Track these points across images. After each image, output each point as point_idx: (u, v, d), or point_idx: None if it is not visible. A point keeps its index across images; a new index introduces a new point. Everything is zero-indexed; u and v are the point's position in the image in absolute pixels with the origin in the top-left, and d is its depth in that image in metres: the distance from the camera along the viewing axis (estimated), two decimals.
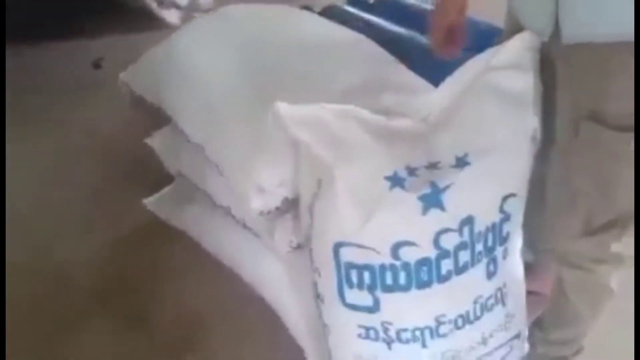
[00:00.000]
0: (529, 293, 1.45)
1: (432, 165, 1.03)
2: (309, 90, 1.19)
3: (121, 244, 1.70)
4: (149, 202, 1.75)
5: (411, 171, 1.01)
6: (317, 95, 1.12)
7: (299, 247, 1.17)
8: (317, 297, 1.13)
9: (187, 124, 1.30)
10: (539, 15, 1.06)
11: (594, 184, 1.10)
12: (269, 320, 1.34)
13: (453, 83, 1.11)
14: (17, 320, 1.43)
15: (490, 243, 1.09)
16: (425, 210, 1.01)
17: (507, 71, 1.09)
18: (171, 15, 2.89)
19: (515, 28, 1.13)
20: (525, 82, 1.09)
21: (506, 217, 1.10)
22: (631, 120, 0.99)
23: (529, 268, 1.51)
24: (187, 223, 1.64)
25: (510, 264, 1.15)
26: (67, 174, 1.90)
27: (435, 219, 1.02)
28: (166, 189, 1.70)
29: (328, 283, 1.08)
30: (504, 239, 1.11)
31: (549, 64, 1.09)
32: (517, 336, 1.22)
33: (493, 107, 1.08)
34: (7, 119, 1.79)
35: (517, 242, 1.17)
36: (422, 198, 1.00)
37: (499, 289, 1.14)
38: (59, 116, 2.11)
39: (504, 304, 1.15)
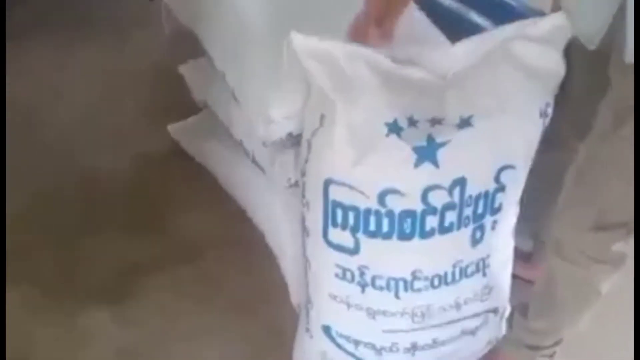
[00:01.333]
0: (527, 281, 1.47)
1: (436, 121, 1.03)
2: (333, 26, 1.20)
3: (148, 162, 1.75)
4: (173, 128, 1.81)
5: (413, 122, 1.02)
6: (340, 34, 1.14)
7: (296, 184, 1.21)
8: (304, 230, 1.17)
9: (214, 49, 1.34)
10: (592, 21, 1.02)
11: (620, 181, 1.07)
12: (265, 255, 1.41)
13: (478, 44, 1.09)
14: (41, 218, 1.55)
15: (480, 210, 1.10)
16: (418, 163, 1.02)
17: (533, 44, 1.07)
18: None
19: None
20: (548, 59, 1.07)
21: (500, 188, 1.10)
22: None
23: (529, 256, 1.51)
24: (204, 154, 1.70)
25: (498, 237, 1.15)
26: (117, 90, 1.96)
27: (427, 174, 1.03)
28: (191, 119, 1.76)
29: (314, 218, 1.12)
30: (495, 210, 1.12)
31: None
32: (495, 311, 1.23)
33: (509, 75, 1.06)
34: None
35: (510, 218, 1.17)
36: (417, 150, 1.01)
37: (482, 259, 1.15)
38: (117, 37, 2.16)
39: (484, 274, 1.16)
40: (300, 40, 1.01)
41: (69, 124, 1.84)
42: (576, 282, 1.21)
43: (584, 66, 1.11)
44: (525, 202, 1.23)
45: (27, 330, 1.32)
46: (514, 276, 1.51)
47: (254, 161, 1.36)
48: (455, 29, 1.42)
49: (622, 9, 0.94)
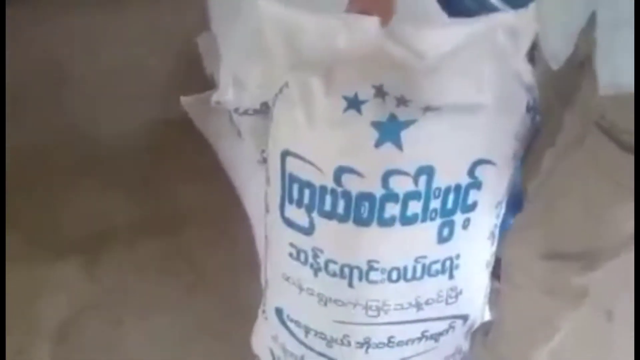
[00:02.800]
0: None
1: (403, 101, 0.96)
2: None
3: (158, 130, 1.76)
4: (185, 100, 1.81)
5: (380, 93, 0.93)
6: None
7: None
8: (265, 207, 1.12)
9: (213, 12, 1.32)
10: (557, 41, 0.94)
11: (577, 204, 0.93)
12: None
13: (467, 28, 1.01)
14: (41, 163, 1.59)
15: (449, 205, 1.01)
16: (379, 142, 0.95)
17: (522, 38, 0.98)
18: None
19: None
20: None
21: (475, 184, 1.00)
22: None
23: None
24: (209, 130, 1.69)
25: (471, 238, 1.05)
26: (149, 57, 2.00)
27: (389, 155, 0.95)
28: (205, 93, 1.76)
29: (273, 193, 1.07)
30: (468, 207, 1.02)
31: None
32: (463, 318, 1.13)
33: (494, 65, 0.96)
34: None
35: (488, 219, 1.07)
36: (377, 126, 0.94)
37: (450, 258, 1.05)
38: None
39: (451, 276, 1.06)
40: (267, 8, 0.96)
41: (95, 81, 1.90)
42: (526, 314, 1.07)
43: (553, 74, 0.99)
44: None
45: None
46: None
47: (239, 134, 1.33)
48: (470, 9, 1.34)
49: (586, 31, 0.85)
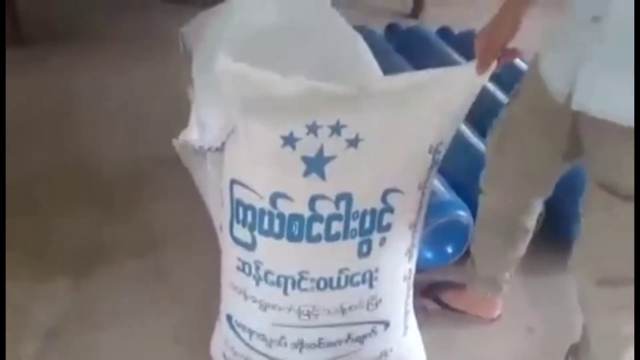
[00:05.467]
0: (454, 310, 1.61)
1: (337, 128, 1.14)
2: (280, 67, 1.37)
3: (151, 162, 2.00)
4: (176, 142, 2.04)
5: (313, 129, 1.13)
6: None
7: None
8: (220, 226, 1.33)
9: (194, 62, 1.56)
10: (559, 79, 1.12)
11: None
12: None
13: (403, 78, 1.21)
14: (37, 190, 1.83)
15: (367, 225, 1.22)
16: (307, 173, 1.16)
17: (448, 88, 1.18)
18: None
19: (535, 81, 1.19)
20: (456, 104, 1.20)
21: (388, 209, 1.22)
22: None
23: (462, 287, 1.59)
24: (190, 164, 1.91)
25: (388, 254, 1.26)
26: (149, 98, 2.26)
27: (314, 184, 1.17)
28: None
29: (225, 215, 1.28)
30: (383, 228, 1.23)
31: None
32: (384, 324, 1.32)
33: (410, 108, 1.18)
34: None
35: (402, 239, 1.28)
36: (306, 160, 1.15)
37: (369, 271, 1.26)
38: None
39: (371, 286, 1.27)
40: (224, 63, 1.16)
41: (99, 119, 2.19)
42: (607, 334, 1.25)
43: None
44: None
45: None
46: (444, 305, 1.61)
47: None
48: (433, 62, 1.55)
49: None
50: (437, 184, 1.65)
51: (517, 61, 1.91)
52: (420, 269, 1.43)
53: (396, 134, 1.18)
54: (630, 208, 1.06)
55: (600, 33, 0.98)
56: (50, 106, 2.27)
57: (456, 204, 1.63)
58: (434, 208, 1.47)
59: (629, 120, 0.99)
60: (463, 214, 1.61)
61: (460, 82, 1.20)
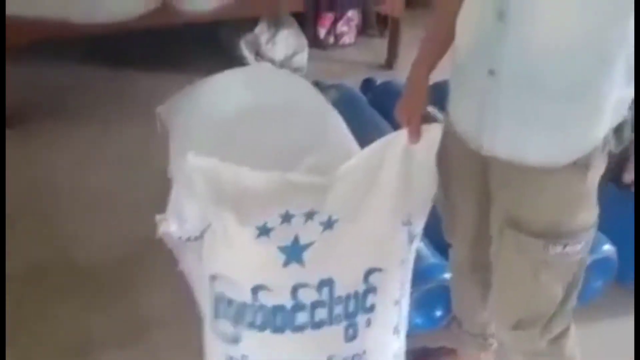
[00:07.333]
0: None
1: (311, 215, 1.16)
2: (252, 151, 1.39)
3: (135, 248, 1.98)
4: (158, 219, 2.03)
5: (287, 218, 1.15)
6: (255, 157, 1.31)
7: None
8: (202, 317, 1.31)
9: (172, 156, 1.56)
10: (467, 126, 1.15)
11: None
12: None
13: (370, 149, 1.21)
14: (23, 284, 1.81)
15: (351, 309, 1.21)
16: (286, 263, 1.16)
17: (414, 154, 1.20)
18: None
19: (450, 129, 1.20)
20: (424, 170, 1.21)
21: (371, 289, 1.21)
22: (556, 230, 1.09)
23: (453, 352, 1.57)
24: (174, 247, 1.89)
25: (375, 335, 1.25)
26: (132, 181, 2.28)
27: (295, 273, 1.16)
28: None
29: (207, 309, 1.26)
30: (368, 309, 1.22)
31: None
32: None
33: (380, 182, 1.19)
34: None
35: (388, 317, 1.27)
36: (284, 250, 1.15)
37: (357, 354, 1.24)
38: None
39: None
40: (194, 160, 1.17)
41: (84, 199, 2.17)
42: None
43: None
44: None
45: None
46: None
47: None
48: None
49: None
50: (421, 245, 1.64)
51: None
52: (410, 334, 1.41)
53: (368, 209, 1.19)
54: (540, 244, 1.10)
55: (498, 85, 1.04)
56: (29, 192, 2.26)
57: (441, 267, 1.61)
58: (419, 273, 1.46)
59: (534, 160, 1.07)
60: (449, 276, 1.60)
61: (400, 148, 1.19)
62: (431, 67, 1.21)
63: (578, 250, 1.12)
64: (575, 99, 1.01)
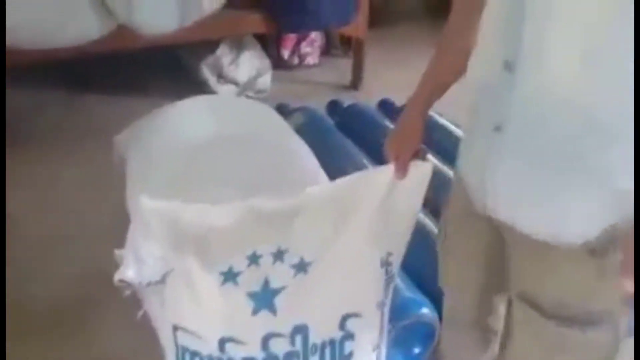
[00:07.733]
0: None
1: (279, 255, 1.07)
2: (213, 182, 1.31)
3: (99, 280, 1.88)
4: (117, 256, 1.93)
5: (254, 260, 1.06)
6: (222, 189, 1.25)
7: None
8: None
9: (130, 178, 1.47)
10: (474, 185, 1.06)
11: None
12: None
13: (346, 180, 1.14)
14: None
15: (327, 359, 1.13)
16: (256, 310, 1.07)
17: (397, 189, 1.12)
18: (228, 91, 3.18)
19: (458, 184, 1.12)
20: (406, 205, 1.14)
21: (348, 336, 1.13)
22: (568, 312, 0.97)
23: None
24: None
25: None
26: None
27: (265, 321, 1.07)
28: None
29: (171, 358, 1.17)
30: (346, 357, 1.14)
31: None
32: None
33: (353, 219, 1.11)
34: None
35: None
36: (253, 296, 1.06)
37: None
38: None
39: None
40: (147, 204, 1.08)
41: (41, 235, 2.06)
42: None
43: None
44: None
45: None
46: None
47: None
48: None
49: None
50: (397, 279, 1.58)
51: None
52: None
53: (343, 249, 1.11)
54: (553, 327, 0.98)
55: (503, 143, 0.95)
56: None
57: (418, 302, 1.53)
58: (396, 309, 1.38)
59: (537, 234, 0.95)
60: (426, 311, 1.52)
61: (384, 184, 1.12)
62: (429, 105, 1.13)
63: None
64: (576, 168, 0.90)
